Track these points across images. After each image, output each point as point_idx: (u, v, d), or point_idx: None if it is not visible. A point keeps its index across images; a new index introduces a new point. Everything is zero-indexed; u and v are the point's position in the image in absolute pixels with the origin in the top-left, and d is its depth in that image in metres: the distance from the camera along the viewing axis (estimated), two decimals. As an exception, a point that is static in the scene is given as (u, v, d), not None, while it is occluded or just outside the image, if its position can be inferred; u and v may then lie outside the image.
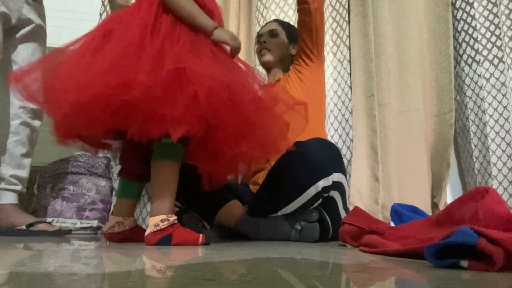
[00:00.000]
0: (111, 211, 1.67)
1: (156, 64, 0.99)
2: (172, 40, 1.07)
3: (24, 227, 1.35)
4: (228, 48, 1.18)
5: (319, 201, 1.30)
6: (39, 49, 1.52)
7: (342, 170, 1.38)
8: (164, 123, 0.98)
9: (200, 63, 1.04)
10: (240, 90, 1.06)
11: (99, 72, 0.97)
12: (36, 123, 1.49)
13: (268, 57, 1.69)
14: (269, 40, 1.70)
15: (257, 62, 2.12)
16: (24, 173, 1.45)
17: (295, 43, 1.70)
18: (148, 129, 1.00)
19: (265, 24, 1.83)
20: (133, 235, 1.18)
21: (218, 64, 1.08)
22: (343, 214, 1.34)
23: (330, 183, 1.29)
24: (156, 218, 1.05)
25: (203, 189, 1.21)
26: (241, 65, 1.22)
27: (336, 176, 1.32)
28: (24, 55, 1.47)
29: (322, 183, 1.26)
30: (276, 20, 1.80)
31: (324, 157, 1.29)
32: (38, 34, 1.52)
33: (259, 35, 1.76)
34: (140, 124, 1.00)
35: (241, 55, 2.06)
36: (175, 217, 1.08)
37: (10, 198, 1.41)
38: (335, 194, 1.34)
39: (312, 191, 1.26)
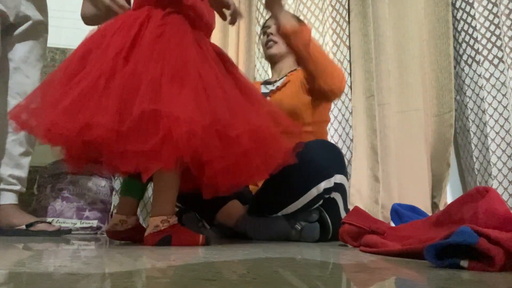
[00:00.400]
0: (111, 211, 1.67)
1: (128, 98, 0.94)
2: (152, 59, 1.00)
3: (23, 227, 1.35)
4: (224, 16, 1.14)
5: (320, 202, 1.30)
6: (38, 46, 1.49)
7: (344, 171, 1.38)
8: (134, 159, 0.94)
9: (180, 98, 0.96)
10: (231, 121, 0.99)
11: (62, 112, 0.93)
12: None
13: (275, 49, 1.64)
14: (276, 32, 1.62)
15: (256, 57, 2.13)
16: (23, 173, 1.44)
17: None
18: (119, 165, 0.96)
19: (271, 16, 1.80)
20: (135, 234, 1.18)
21: (204, 92, 1.00)
22: (343, 215, 1.34)
23: (332, 184, 1.29)
24: (156, 219, 1.05)
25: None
26: (238, 80, 1.15)
27: (338, 178, 1.32)
28: (21, 53, 1.45)
29: (323, 185, 1.26)
30: None
31: (326, 159, 1.29)
32: (37, 31, 1.49)
33: (265, 26, 1.70)
34: (109, 160, 0.98)
35: (241, 55, 2.08)
36: (176, 218, 1.08)
37: (10, 198, 1.40)
38: (336, 196, 1.34)
39: (313, 192, 1.26)
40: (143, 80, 0.96)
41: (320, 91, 1.45)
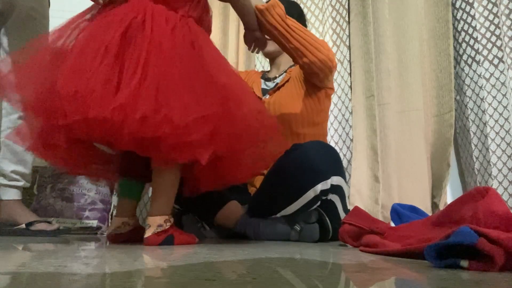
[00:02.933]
0: (111, 211, 1.67)
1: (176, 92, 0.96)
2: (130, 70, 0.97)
3: (23, 226, 1.35)
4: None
5: (318, 204, 1.30)
6: (34, 36, 1.37)
7: (341, 173, 1.37)
8: (190, 149, 0.95)
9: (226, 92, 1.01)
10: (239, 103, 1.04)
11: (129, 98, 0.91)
12: None
13: (271, 46, 1.56)
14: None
15: (256, 57, 2.13)
16: (26, 169, 1.42)
17: None
18: (176, 156, 0.97)
19: None
20: (136, 235, 1.18)
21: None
22: (343, 216, 1.33)
23: (329, 186, 1.28)
24: (159, 219, 1.04)
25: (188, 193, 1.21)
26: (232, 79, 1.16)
27: (335, 180, 1.31)
28: (18, 47, 1.36)
29: (320, 187, 1.26)
30: None
31: (323, 161, 1.28)
32: (33, 19, 1.40)
33: None
34: (165, 153, 0.97)
35: (241, 55, 2.08)
36: (173, 218, 1.08)
37: (13, 194, 1.39)
38: (334, 198, 1.34)
39: (310, 194, 1.25)
40: (195, 75, 0.99)
41: (311, 67, 1.39)
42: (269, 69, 1.73)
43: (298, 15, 1.67)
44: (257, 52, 1.41)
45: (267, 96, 1.58)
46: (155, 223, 1.03)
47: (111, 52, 0.96)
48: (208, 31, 1.21)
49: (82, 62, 0.96)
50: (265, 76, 1.69)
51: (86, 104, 0.90)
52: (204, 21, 1.17)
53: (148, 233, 1.03)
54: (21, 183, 1.41)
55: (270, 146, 1.15)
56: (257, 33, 1.32)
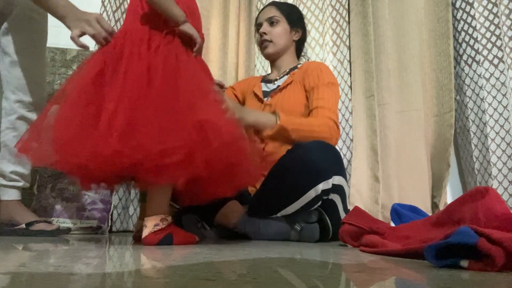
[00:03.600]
0: (111, 211, 1.67)
1: (164, 115, 0.99)
2: (173, 76, 1.06)
3: (23, 225, 1.35)
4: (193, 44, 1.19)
5: (319, 203, 1.30)
6: (35, 36, 1.43)
7: (342, 173, 1.37)
8: (169, 171, 0.98)
9: (212, 109, 1.03)
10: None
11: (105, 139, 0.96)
12: (34, 116, 1.41)
13: (271, 49, 1.60)
14: (268, 30, 1.60)
15: (256, 57, 2.13)
16: (25, 169, 1.41)
17: (298, 27, 1.64)
18: (155, 179, 1.00)
19: (262, 8, 1.71)
20: None
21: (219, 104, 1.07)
22: (343, 215, 1.33)
23: (330, 186, 1.28)
24: (155, 218, 1.05)
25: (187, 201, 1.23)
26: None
27: (337, 180, 1.31)
28: (16, 45, 1.38)
29: (321, 186, 1.26)
30: (273, 3, 1.67)
31: (324, 160, 1.28)
32: (32, 19, 1.41)
33: (257, 24, 1.66)
34: (144, 176, 1.01)
35: (241, 55, 2.08)
36: (171, 217, 1.08)
37: (12, 195, 1.39)
38: (335, 197, 1.34)
39: (311, 194, 1.25)
40: (173, 98, 1.01)
41: None
42: (269, 70, 1.73)
43: (298, 16, 1.67)
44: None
45: (269, 99, 1.58)
46: (151, 223, 1.04)
47: (86, 96, 1.04)
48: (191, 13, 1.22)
49: (64, 111, 1.05)
50: (265, 78, 1.69)
51: (68, 153, 0.99)
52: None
53: (145, 233, 1.04)
54: (20, 184, 1.40)
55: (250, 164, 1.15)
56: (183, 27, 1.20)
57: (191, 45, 1.18)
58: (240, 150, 1.05)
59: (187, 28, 1.16)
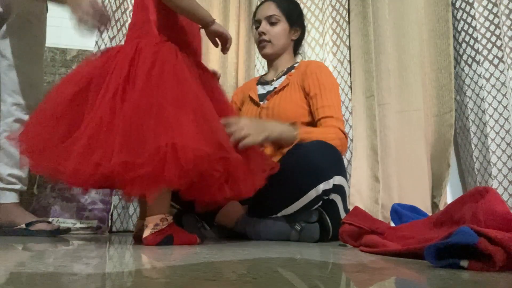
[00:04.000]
0: (111, 211, 1.67)
1: (135, 135, 0.99)
2: (150, 93, 1.03)
3: (23, 226, 1.35)
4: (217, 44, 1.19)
5: (319, 203, 1.30)
6: (32, 40, 1.43)
7: (343, 173, 1.37)
8: (140, 183, 0.97)
9: (185, 127, 1.00)
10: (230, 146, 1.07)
11: (79, 157, 0.98)
12: None
13: (269, 50, 1.58)
14: (267, 29, 1.56)
15: (256, 57, 2.13)
16: (23, 172, 1.42)
17: (297, 26, 1.62)
18: (129, 191, 1.00)
19: (261, 4, 1.67)
20: None
21: (204, 118, 1.04)
22: (343, 215, 1.33)
23: (331, 186, 1.28)
24: (155, 218, 1.04)
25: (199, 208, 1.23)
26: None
27: (337, 180, 1.31)
28: (14, 48, 1.39)
29: (322, 186, 1.26)
30: (273, 0, 1.61)
31: (325, 160, 1.28)
32: (30, 23, 1.41)
33: (256, 20, 1.63)
34: (121, 187, 1.03)
35: (241, 55, 2.08)
36: (171, 217, 1.08)
37: (10, 198, 1.39)
38: (335, 197, 1.34)
39: (312, 194, 1.25)
40: (145, 115, 0.99)
41: None
42: (267, 70, 1.73)
43: (298, 15, 1.67)
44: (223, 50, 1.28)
45: (265, 102, 1.56)
46: (151, 223, 1.04)
47: (62, 109, 1.06)
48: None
49: (38, 118, 1.09)
50: (261, 80, 1.68)
51: (52, 160, 1.00)
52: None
53: (146, 233, 1.04)
54: (17, 187, 1.41)
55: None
56: (213, 27, 1.21)
57: (190, 50, 1.17)
58: (227, 160, 1.02)
59: (218, 27, 1.18)
